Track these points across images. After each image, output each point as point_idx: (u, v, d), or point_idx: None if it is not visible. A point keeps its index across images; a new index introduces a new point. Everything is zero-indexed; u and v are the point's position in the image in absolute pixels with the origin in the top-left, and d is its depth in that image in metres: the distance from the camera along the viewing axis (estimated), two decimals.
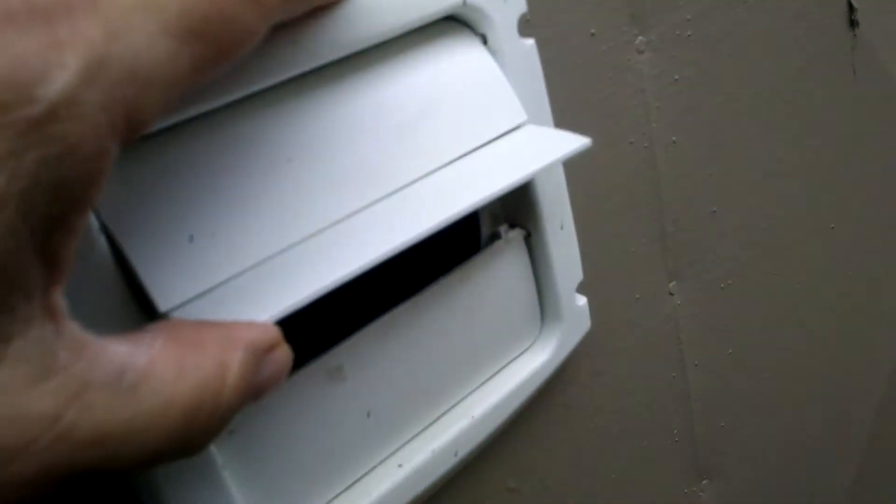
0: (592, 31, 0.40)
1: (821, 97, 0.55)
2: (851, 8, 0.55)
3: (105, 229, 0.24)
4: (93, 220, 0.24)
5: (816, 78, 0.54)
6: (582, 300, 0.40)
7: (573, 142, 0.31)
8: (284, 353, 0.21)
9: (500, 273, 0.36)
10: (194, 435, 0.18)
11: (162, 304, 0.24)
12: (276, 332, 0.21)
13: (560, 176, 0.36)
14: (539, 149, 0.31)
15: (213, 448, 0.27)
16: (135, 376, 0.16)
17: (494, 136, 0.32)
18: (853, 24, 0.56)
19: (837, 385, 0.66)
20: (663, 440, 0.52)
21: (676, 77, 0.45)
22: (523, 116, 0.33)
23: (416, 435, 0.35)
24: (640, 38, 0.42)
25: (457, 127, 0.31)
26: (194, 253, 0.25)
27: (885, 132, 0.61)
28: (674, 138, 0.46)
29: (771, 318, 0.57)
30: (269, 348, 0.20)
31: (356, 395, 0.32)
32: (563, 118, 0.38)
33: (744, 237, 0.53)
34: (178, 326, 0.19)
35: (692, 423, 0.54)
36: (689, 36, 0.45)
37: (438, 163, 0.30)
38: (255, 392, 0.20)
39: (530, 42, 0.34)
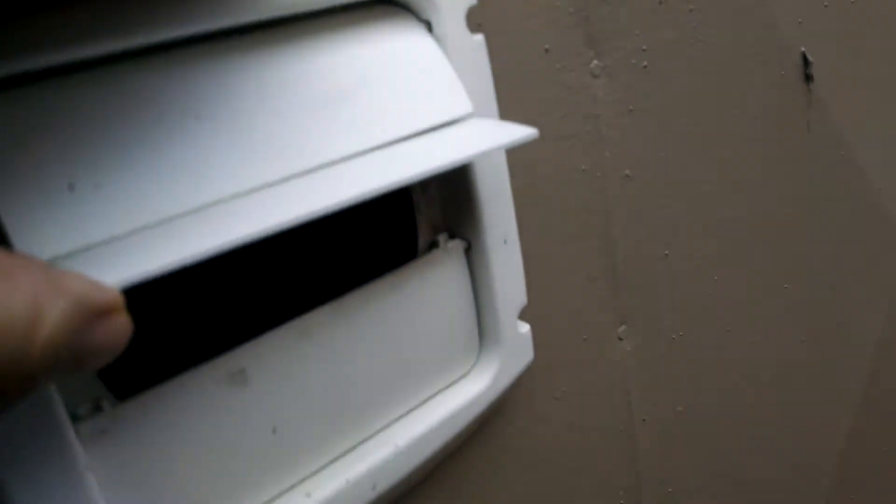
0: (547, 46, 0.38)
1: (775, 149, 0.54)
2: (806, 62, 0.55)
3: None
4: None
5: (771, 129, 0.53)
6: (525, 327, 0.36)
7: (519, 132, 0.28)
8: (122, 324, 0.17)
9: (435, 285, 0.32)
10: None
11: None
12: (116, 296, 0.17)
13: (505, 186, 0.34)
14: (482, 136, 0.28)
15: (76, 443, 0.23)
16: None
17: (435, 123, 0.29)
18: (808, 77, 0.55)
19: (792, 453, 0.63)
20: (608, 503, 0.48)
21: (631, 108, 0.43)
22: (469, 108, 0.30)
23: (330, 461, 0.30)
24: (595, 61, 0.41)
25: (393, 110, 0.28)
26: (73, 204, 0.21)
27: (836, 191, 0.60)
28: (627, 172, 0.44)
29: (723, 377, 0.55)
30: (104, 311, 0.16)
31: (260, 406, 0.27)
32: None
33: (696, 287, 0.51)
34: None
35: (639, 486, 0.50)
36: (644, 67, 0.43)
37: (367, 144, 0.27)
38: (76, 357, 0.16)
39: (479, 37, 0.32)
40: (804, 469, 0.66)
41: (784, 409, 0.61)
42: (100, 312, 0.16)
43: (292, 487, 0.29)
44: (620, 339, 0.46)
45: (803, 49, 0.54)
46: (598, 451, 0.46)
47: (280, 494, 0.29)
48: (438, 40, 0.30)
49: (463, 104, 0.30)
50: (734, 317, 0.54)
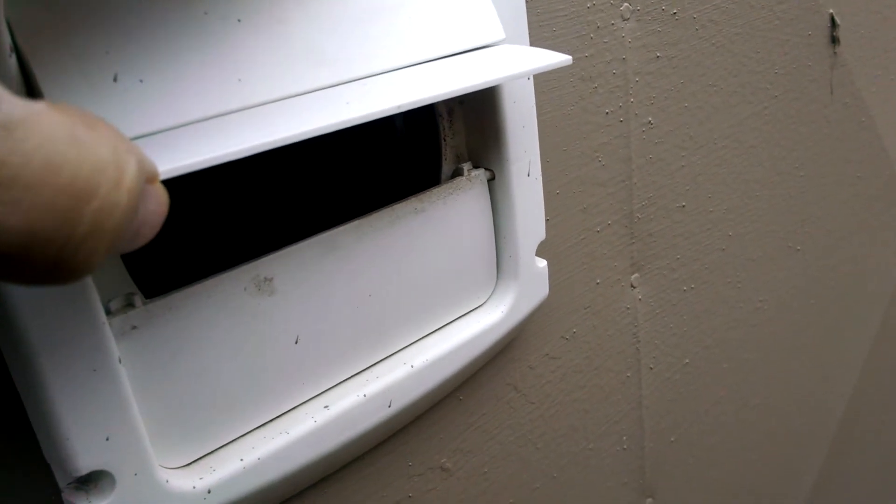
0: None
1: (797, 109, 0.54)
2: (834, 24, 0.55)
3: (18, 52, 0.20)
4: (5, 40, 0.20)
5: (795, 88, 0.53)
6: (542, 263, 0.37)
7: (552, 57, 0.28)
8: (162, 192, 0.17)
9: (457, 212, 0.33)
10: (77, 232, 0.14)
11: None
12: (155, 167, 0.17)
13: (532, 118, 0.34)
14: (516, 60, 0.28)
15: (110, 335, 0.23)
16: (14, 119, 0.13)
17: (469, 47, 0.29)
18: (834, 40, 0.55)
19: (797, 409, 0.64)
20: (611, 446, 0.49)
21: (658, 55, 0.43)
22: (502, 34, 0.30)
23: (349, 377, 0.31)
24: (626, 4, 0.40)
25: (428, 30, 0.28)
26: (116, 95, 0.22)
27: (854, 156, 0.60)
28: (650, 119, 0.44)
29: (731, 333, 0.55)
30: (151, 178, 0.17)
31: (285, 315, 0.28)
32: None
33: (710, 240, 0.51)
34: (64, 106, 0.15)
35: (643, 433, 0.51)
36: (674, 14, 0.43)
37: (402, 62, 0.28)
38: (137, 223, 0.16)
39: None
40: (809, 424, 0.66)
41: (791, 366, 0.62)
42: (152, 178, 0.16)
43: (312, 398, 0.30)
44: (633, 286, 0.47)
45: (832, 11, 0.54)
46: (604, 395, 0.47)
47: (300, 405, 0.30)
48: None
49: (496, 31, 0.30)
50: (746, 274, 0.54)
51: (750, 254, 0.54)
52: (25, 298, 0.21)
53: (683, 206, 0.48)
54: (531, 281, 0.36)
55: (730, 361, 0.56)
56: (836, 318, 0.65)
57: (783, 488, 0.67)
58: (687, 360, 0.52)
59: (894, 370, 0.77)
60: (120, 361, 0.24)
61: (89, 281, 0.23)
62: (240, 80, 0.24)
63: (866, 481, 0.81)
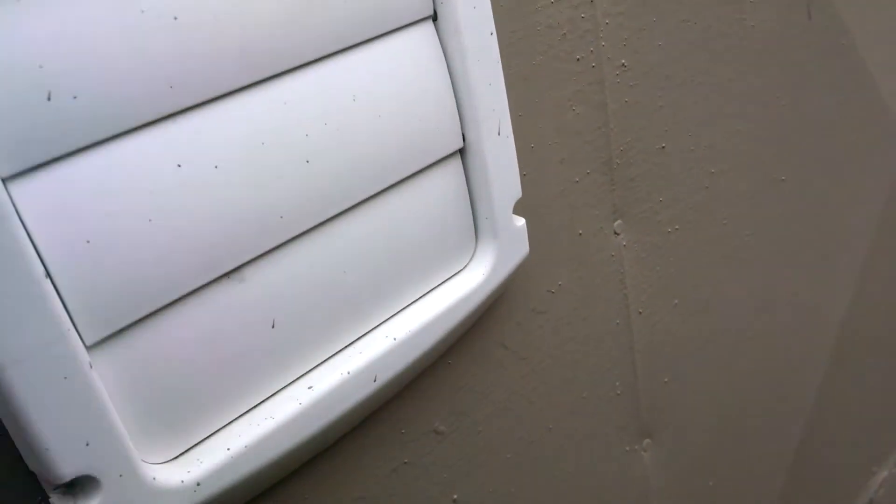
0: None
1: (775, 38, 0.52)
2: None
3: None
4: None
5: (772, 17, 0.51)
6: (520, 221, 0.36)
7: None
8: None
9: (428, 179, 0.32)
10: None
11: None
12: None
13: (498, 75, 0.33)
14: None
15: (78, 342, 0.23)
16: None
17: None
18: None
19: (786, 345, 0.64)
20: (605, 392, 0.49)
21: None
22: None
23: (331, 355, 0.31)
24: None
25: None
26: (51, 115, 0.21)
27: (835, 81, 0.59)
28: (623, 61, 0.43)
29: (719, 270, 0.55)
30: None
31: (258, 301, 0.28)
32: (505, 17, 0.34)
33: (692, 180, 0.50)
34: None
35: (635, 377, 0.51)
36: None
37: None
38: None
39: None
40: (798, 358, 0.67)
41: (780, 297, 0.62)
42: None
43: (295, 381, 0.30)
44: (616, 233, 0.46)
45: None
46: (595, 344, 0.47)
47: (283, 388, 0.30)
48: None
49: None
50: (731, 210, 0.54)
51: (734, 189, 0.54)
52: None
53: (663, 147, 0.47)
54: (510, 240, 0.36)
55: (719, 298, 0.56)
56: (824, 246, 0.65)
57: (780, 418, 0.68)
58: (676, 301, 0.52)
59: (884, 293, 0.77)
60: (91, 367, 0.23)
61: (50, 291, 0.22)
62: (171, 87, 0.23)
63: (863, 405, 0.82)
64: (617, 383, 0.50)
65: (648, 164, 0.47)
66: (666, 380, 0.54)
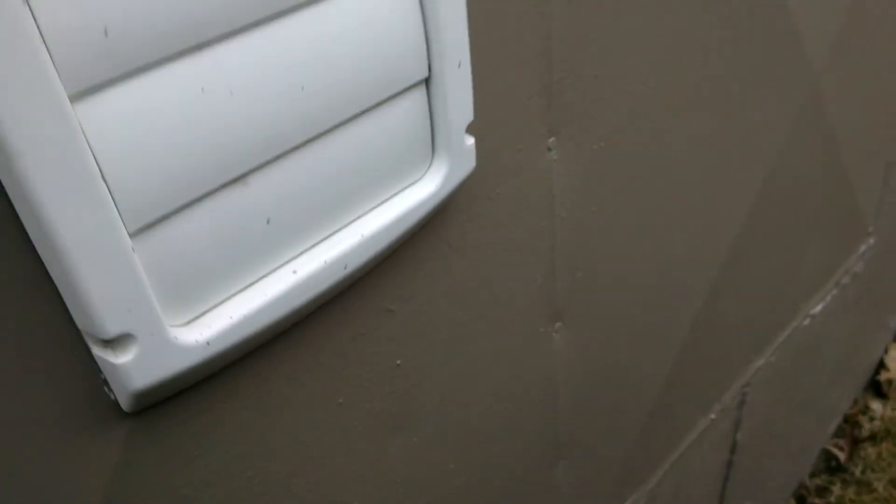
0: None
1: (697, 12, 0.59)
2: None
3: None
4: None
5: None
6: (470, 140, 0.43)
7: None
8: None
9: (399, 101, 0.38)
10: None
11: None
12: None
13: (462, 16, 0.39)
14: None
15: (125, 232, 0.29)
16: None
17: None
18: None
19: (685, 242, 0.74)
20: (526, 284, 0.58)
21: None
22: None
23: (311, 247, 0.38)
24: None
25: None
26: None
27: (758, 18, 0.66)
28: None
29: (635, 182, 0.63)
30: None
31: (258, 202, 0.34)
32: None
33: (619, 105, 0.57)
34: None
35: (553, 271, 0.60)
36: None
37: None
38: None
39: None
40: (695, 255, 0.77)
41: (686, 205, 0.71)
42: None
43: (281, 265, 0.37)
44: (549, 149, 0.53)
45: None
46: (522, 242, 0.55)
47: (272, 271, 0.36)
48: None
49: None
50: (651, 130, 0.62)
51: (657, 110, 0.61)
52: (55, 208, 0.27)
53: (596, 76, 0.54)
54: (461, 156, 0.43)
55: (633, 206, 0.65)
56: (731, 163, 0.74)
57: (673, 310, 0.79)
58: (594, 208, 0.61)
59: (781, 207, 0.88)
60: (133, 250, 0.30)
61: (104, 189, 0.28)
62: (197, 23, 0.28)
63: (749, 299, 0.94)
64: (537, 276, 0.59)
65: (583, 90, 0.53)
66: (579, 274, 0.63)
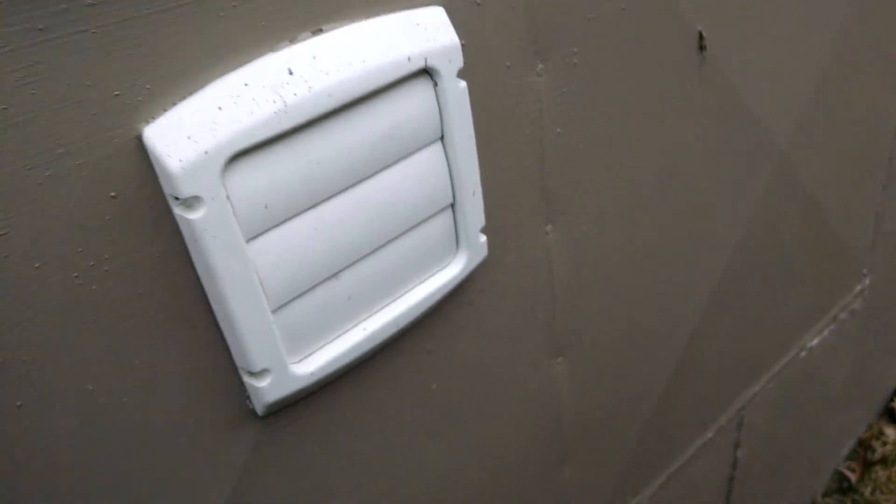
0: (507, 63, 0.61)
1: (671, 89, 0.78)
2: (701, 37, 0.77)
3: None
4: None
5: (670, 80, 0.77)
6: (483, 238, 0.63)
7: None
8: None
9: (434, 219, 0.59)
10: None
11: None
12: None
13: (474, 163, 0.59)
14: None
15: (269, 310, 0.50)
16: None
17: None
18: (702, 48, 0.78)
19: (681, 270, 0.92)
20: (533, 330, 0.78)
21: (565, 89, 0.67)
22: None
23: (375, 313, 0.58)
24: (541, 65, 0.64)
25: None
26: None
27: (721, 119, 0.85)
28: (559, 130, 0.68)
29: (624, 248, 0.82)
30: None
31: (343, 287, 0.55)
32: (483, 129, 0.60)
33: (604, 199, 0.77)
34: None
35: (554, 319, 0.79)
36: (574, 61, 0.67)
37: None
38: None
39: (463, 84, 0.55)
40: (688, 282, 0.95)
41: (674, 256, 0.90)
42: None
43: (356, 325, 0.57)
44: (547, 233, 0.73)
45: (700, 29, 0.77)
46: (528, 299, 0.75)
47: (350, 329, 0.57)
48: (441, 91, 0.54)
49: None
50: (630, 209, 0.81)
51: (637, 201, 0.80)
52: (233, 297, 0.48)
53: (580, 182, 0.73)
54: (477, 249, 0.63)
55: (622, 264, 0.84)
56: (707, 225, 0.92)
57: (669, 337, 0.97)
58: (586, 271, 0.80)
59: (763, 256, 1.05)
60: (272, 320, 0.51)
61: (255, 279, 0.49)
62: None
63: (745, 326, 1.12)
64: (541, 323, 0.78)
65: (573, 190, 0.73)
66: (576, 320, 0.82)
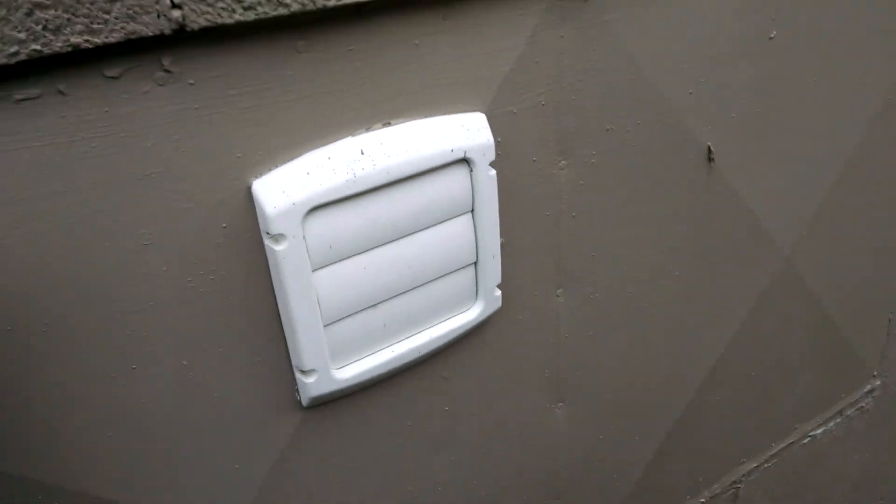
0: (534, 158, 0.77)
1: (680, 196, 0.92)
2: (710, 150, 0.92)
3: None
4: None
5: (680, 189, 0.91)
6: (498, 292, 0.78)
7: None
8: None
9: (459, 273, 0.75)
10: None
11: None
12: None
13: (496, 233, 0.75)
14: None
15: (322, 325, 0.67)
16: None
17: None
18: (710, 159, 0.93)
19: (671, 363, 1.05)
20: (537, 374, 0.92)
21: (582, 182, 0.82)
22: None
23: (404, 339, 0.74)
24: (563, 161, 0.80)
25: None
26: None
27: (725, 222, 0.99)
28: (574, 214, 0.84)
29: (625, 318, 0.96)
30: None
31: (381, 315, 0.71)
32: (506, 210, 0.76)
33: (610, 274, 0.91)
34: None
35: (558, 370, 0.94)
36: (593, 160, 0.82)
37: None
38: None
39: (493, 172, 0.72)
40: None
41: (662, 343, 1.03)
42: None
43: (387, 347, 0.73)
44: (557, 295, 0.88)
45: (709, 143, 0.91)
46: (536, 349, 0.89)
47: (382, 349, 0.73)
48: (475, 176, 0.71)
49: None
50: (635, 294, 0.95)
51: (639, 279, 0.94)
52: (299, 311, 0.65)
53: (594, 255, 0.88)
54: (493, 301, 0.78)
55: (623, 331, 0.97)
56: (707, 315, 1.05)
57: (665, 401, 1.09)
58: (590, 332, 0.94)
59: (763, 346, 1.17)
60: (324, 333, 0.67)
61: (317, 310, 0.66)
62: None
63: (744, 401, 1.23)
64: (546, 371, 0.92)
65: (583, 262, 0.88)
66: (579, 373, 0.96)
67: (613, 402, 1.03)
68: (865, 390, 1.50)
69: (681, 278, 0.99)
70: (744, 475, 1.35)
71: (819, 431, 1.45)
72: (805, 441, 1.44)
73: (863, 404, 1.52)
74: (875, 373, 1.50)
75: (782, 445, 1.39)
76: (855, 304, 1.32)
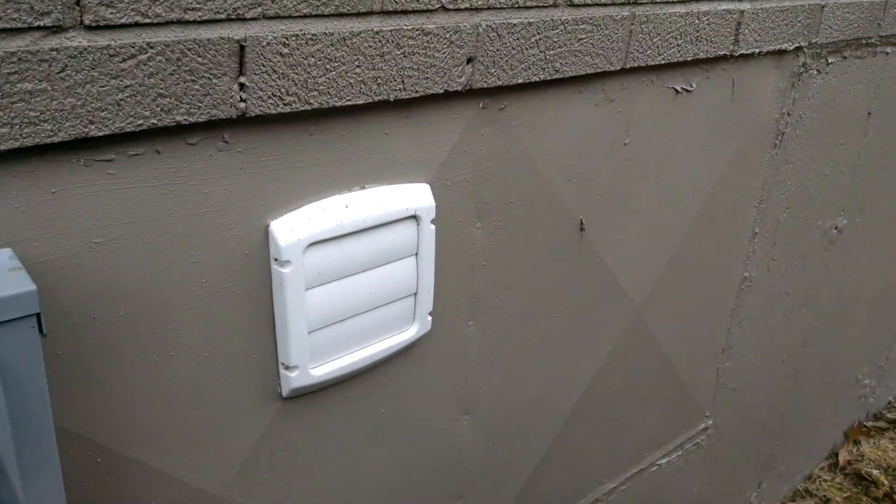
0: (459, 219, 1.06)
1: (556, 262, 1.23)
2: (582, 223, 1.24)
3: None
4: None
5: (556, 254, 1.22)
6: (429, 318, 1.05)
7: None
8: None
9: (402, 301, 1.01)
10: None
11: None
12: None
13: (431, 271, 1.02)
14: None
15: (307, 332, 0.91)
16: None
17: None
18: (582, 229, 1.24)
19: (551, 385, 1.34)
20: (450, 391, 1.18)
21: (491, 240, 1.11)
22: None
23: (356, 350, 0.99)
24: (478, 223, 1.08)
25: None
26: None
27: (594, 284, 1.30)
28: (484, 263, 1.12)
29: (520, 348, 1.24)
30: None
31: (344, 331, 0.95)
32: (441, 259, 1.04)
33: (512, 309, 1.19)
34: None
35: (467, 386, 1.20)
36: (500, 226, 1.11)
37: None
38: None
39: (433, 227, 0.99)
40: (561, 394, 1.37)
41: (547, 367, 1.31)
42: None
43: (346, 355, 0.97)
44: (469, 326, 1.15)
45: (581, 217, 1.23)
46: (450, 368, 1.15)
47: (343, 356, 0.97)
48: (420, 229, 0.98)
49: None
50: (526, 328, 1.23)
51: (527, 315, 1.23)
52: (290, 317, 0.89)
53: (497, 295, 1.16)
54: (425, 324, 1.04)
55: (518, 358, 1.25)
56: (574, 354, 1.35)
57: (543, 422, 1.37)
58: (491, 358, 1.21)
59: (617, 387, 1.48)
60: (308, 339, 0.91)
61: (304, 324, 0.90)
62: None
63: (599, 437, 1.52)
64: (457, 387, 1.18)
65: (491, 302, 1.15)
66: (481, 390, 1.23)
67: (505, 418, 1.30)
68: (700, 428, 1.85)
69: (558, 320, 1.29)
70: (604, 494, 1.64)
71: (664, 461, 1.77)
72: (653, 469, 1.75)
73: (698, 441, 1.86)
74: (707, 413, 1.85)
75: (635, 470, 1.70)
76: (690, 353, 1.67)
